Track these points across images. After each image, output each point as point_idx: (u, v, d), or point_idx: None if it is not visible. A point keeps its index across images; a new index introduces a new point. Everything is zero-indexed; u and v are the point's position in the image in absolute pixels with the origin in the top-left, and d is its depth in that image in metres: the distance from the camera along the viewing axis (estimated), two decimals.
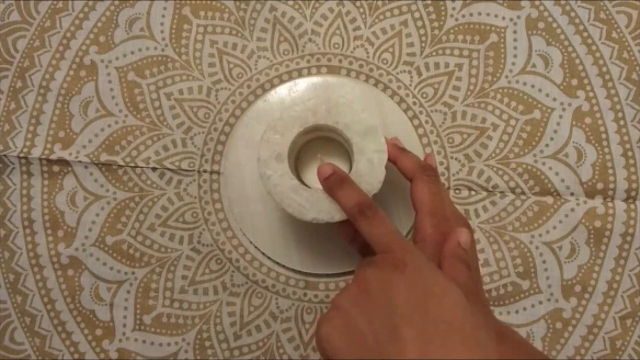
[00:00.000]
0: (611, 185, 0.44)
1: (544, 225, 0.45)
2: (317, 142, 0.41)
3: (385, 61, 0.46)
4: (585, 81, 0.45)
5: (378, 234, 0.33)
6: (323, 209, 0.36)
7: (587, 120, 0.45)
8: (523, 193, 0.45)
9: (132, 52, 0.46)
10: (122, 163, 0.46)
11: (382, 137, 0.37)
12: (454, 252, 0.34)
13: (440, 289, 0.30)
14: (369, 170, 0.37)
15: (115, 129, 0.46)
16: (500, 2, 0.46)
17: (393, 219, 0.44)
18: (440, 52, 0.46)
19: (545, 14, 0.46)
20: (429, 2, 0.46)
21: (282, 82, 0.46)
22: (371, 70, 0.46)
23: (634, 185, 0.44)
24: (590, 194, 0.45)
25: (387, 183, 0.37)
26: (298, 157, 0.42)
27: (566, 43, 0.45)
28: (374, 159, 0.37)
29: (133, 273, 0.46)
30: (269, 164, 0.37)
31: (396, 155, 0.38)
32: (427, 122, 0.46)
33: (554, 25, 0.46)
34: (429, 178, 0.37)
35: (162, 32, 0.47)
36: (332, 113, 0.37)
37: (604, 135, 0.45)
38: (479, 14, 0.46)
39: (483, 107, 0.45)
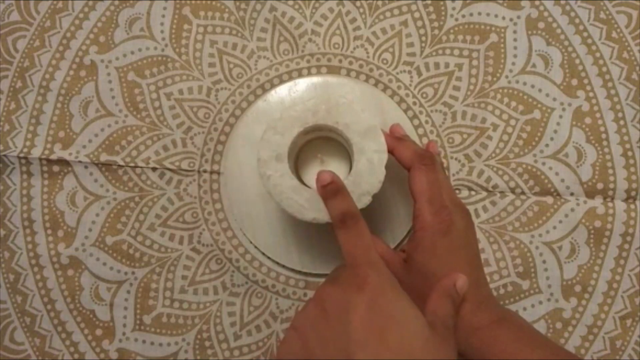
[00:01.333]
0: (611, 185, 0.44)
1: (544, 225, 0.45)
2: (317, 142, 0.41)
3: (385, 61, 0.46)
4: (585, 81, 0.45)
5: (351, 245, 0.32)
6: (323, 209, 0.36)
7: (587, 120, 0.45)
8: (523, 193, 0.45)
9: (132, 52, 0.46)
10: (122, 163, 0.46)
11: (382, 137, 0.37)
12: (447, 290, 0.34)
13: (402, 316, 0.29)
14: (369, 170, 0.37)
15: (115, 129, 0.46)
16: (500, 2, 0.46)
17: (393, 218, 0.44)
18: (440, 52, 0.46)
19: (545, 14, 0.46)
20: (429, 2, 0.46)
21: (282, 82, 0.46)
22: (371, 70, 0.46)
23: (634, 185, 0.44)
24: (590, 194, 0.45)
25: (388, 182, 0.37)
26: (298, 157, 0.42)
27: (566, 43, 0.45)
28: (374, 158, 0.37)
29: (133, 273, 0.46)
30: (269, 164, 0.37)
31: (393, 145, 0.38)
32: (427, 122, 0.46)
33: (554, 25, 0.46)
34: (427, 167, 0.37)
35: (162, 32, 0.47)
36: (332, 113, 0.37)
37: (604, 135, 0.45)
38: (479, 14, 0.46)
39: (483, 107, 0.45)
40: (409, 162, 0.37)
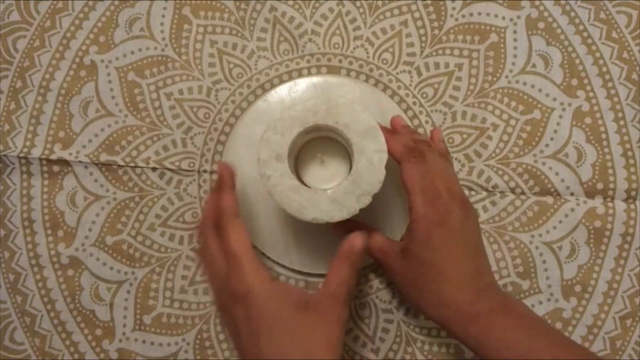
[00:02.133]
0: (611, 185, 0.44)
1: (544, 225, 0.45)
2: (317, 142, 0.41)
3: (385, 61, 0.46)
4: (585, 81, 0.45)
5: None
6: (323, 209, 0.36)
7: (587, 120, 0.45)
8: (523, 193, 0.45)
9: (132, 52, 0.46)
10: (122, 163, 0.46)
11: (382, 137, 0.37)
12: (343, 254, 0.35)
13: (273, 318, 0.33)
14: (368, 170, 0.37)
15: (115, 129, 0.46)
16: (500, 2, 0.46)
17: (393, 218, 0.44)
18: (440, 52, 0.46)
19: (545, 14, 0.46)
20: (429, 2, 0.46)
21: (282, 82, 0.46)
22: (371, 70, 0.46)
23: (634, 185, 0.44)
24: (590, 194, 0.45)
25: (388, 182, 0.37)
26: (298, 157, 0.42)
27: (566, 43, 0.45)
28: (374, 158, 0.37)
29: (133, 273, 0.46)
30: (269, 164, 0.37)
31: (385, 139, 0.38)
32: (427, 122, 0.46)
33: (554, 25, 0.46)
34: (416, 159, 0.37)
35: (162, 32, 0.47)
36: (332, 113, 0.37)
37: (604, 135, 0.45)
38: (479, 14, 0.46)
39: (483, 107, 0.45)
40: (399, 155, 0.37)
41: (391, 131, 0.40)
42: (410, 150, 0.37)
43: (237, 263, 0.34)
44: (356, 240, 0.36)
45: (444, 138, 0.44)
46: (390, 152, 0.37)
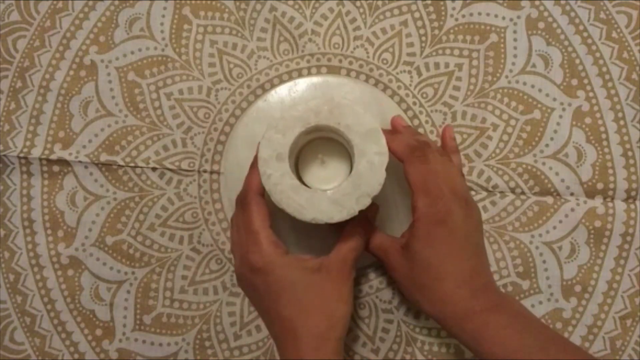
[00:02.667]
0: (611, 185, 0.44)
1: (544, 225, 0.45)
2: (319, 142, 0.41)
3: (385, 61, 0.46)
4: (585, 81, 0.45)
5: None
6: (322, 210, 0.36)
7: (587, 120, 0.45)
8: (523, 193, 0.45)
9: (132, 52, 0.46)
10: (122, 163, 0.46)
11: (384, 140, 0.37)
12: (358, 223, 0.39)
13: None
14: (369, 172, 0.37)
15: (115, 129, 0.46)
16: (500, 2, 0.46)
17: (393, 218, 0.44)
18: (440, 52, 0.46)
19: (545, 14, 0.46)
20: (429, 2, 0.46)
21: (282, 82, 0.46)
22: (371, 70, 0.46)
23: (634, 185, 0.44)
24: (590, 194, 0.45)
25: (388, 182, 0.37)
26: (299, 157, 0.42)
27: (566, 43, 0.45)
28: (375, 161, 0.37)
29: (133, 273, 0.46)
30: (269, 163, 0.37)
31: (388, 140, 0.38)
32: (427, 122, 0.46)
33: (554, 25, 0.46)
34: (419, 159, 0.38)
35: (162, 32, 0.47)
36: (334, 114, 0.37)
37: (604, 135, 0.45)
38: (479, 14, 0.46)
39: (483, 107, 0.45)
40: (401, 155, 0.38)
41: (392, 131, 0.41)
42: (413, 149, 0.38)
43: (255, 239, 0.37)
44: (368, 213, 0.39)
45: (454, 136, 0.45)
46: (392, 152, 0.38)
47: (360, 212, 0.37)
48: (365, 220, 0.40)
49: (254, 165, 0.39)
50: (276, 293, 0.37)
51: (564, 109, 0.45)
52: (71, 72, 0.47)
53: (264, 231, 0.37)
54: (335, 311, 0.37)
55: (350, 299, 0.38)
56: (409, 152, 0.38)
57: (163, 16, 0.47)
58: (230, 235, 0.42)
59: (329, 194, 0.37)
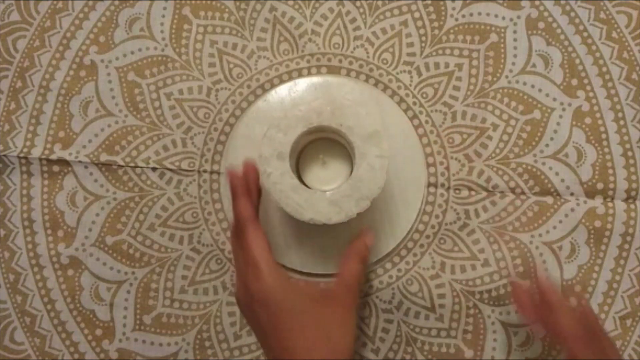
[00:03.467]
0: (611, 185, 0.44)
1: (544, 225, 0.45)
2: (320, 143, 0.41)
3: (385, 61, 0.46)
4: (585, 81, 0.45)
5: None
6: (321, 210, 0.36)
7: (587, 120, 0.45)
8: (523, 193, 0.45)
9: (132, 52, 0.46)
10: (122, 163, 0.46)
11: (385, 143, 0.37)
12: (356, 248, 0.40)
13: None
14: (369, 175, 0.36)
15: (115, 129, 0.46)
16: (500, 2, 0.46)
17: (393, 218, 0.44)
18: (440, 52, 0.46)
19: (545, 14, 0.46)
20: (429, 2, 0.46)
21: (282, 82, 0.46)
22: (371, 70, 0.46)
23: (634, 185, 0.44)
24: (590, 194, 0.45)
25: (388, 183, 0.37)
26: (300, 157, 0.42)
27: (566, 43, 0.45)
28: (376, 164, 0.37)
29: (133, 273, 0.46)
30: (270, 161, 0.37)
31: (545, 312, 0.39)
32: (427, 122, 0.46)
33: (554, 25, 0.46)
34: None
35: (162, 32, 0.47)
36: (336, 115, 0.37)
37: (604, 135, 0.45)
38: (479, 14, 0.46)
39: (483, 107, 0.45)
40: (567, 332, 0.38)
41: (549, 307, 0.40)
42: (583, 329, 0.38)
43: (255, 270, 0.36)
44: (367, 238, 0.41)
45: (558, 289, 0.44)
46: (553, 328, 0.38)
47: (359, 214, 0.37)
48: (364, 245, 0.41)
49: (238, 194, 0.38)
50: (278, 324, 0.36)
51: (564, 109, 0.45)
52: (71, 72, 0.47)
53: (263, 261, 0.36)
54: (339, 344, 0.36)
55: (354, 328, 0.38)
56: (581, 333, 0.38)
57: (163, 16, 0.47)
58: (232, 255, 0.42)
59: (328, 195, 0.37)
